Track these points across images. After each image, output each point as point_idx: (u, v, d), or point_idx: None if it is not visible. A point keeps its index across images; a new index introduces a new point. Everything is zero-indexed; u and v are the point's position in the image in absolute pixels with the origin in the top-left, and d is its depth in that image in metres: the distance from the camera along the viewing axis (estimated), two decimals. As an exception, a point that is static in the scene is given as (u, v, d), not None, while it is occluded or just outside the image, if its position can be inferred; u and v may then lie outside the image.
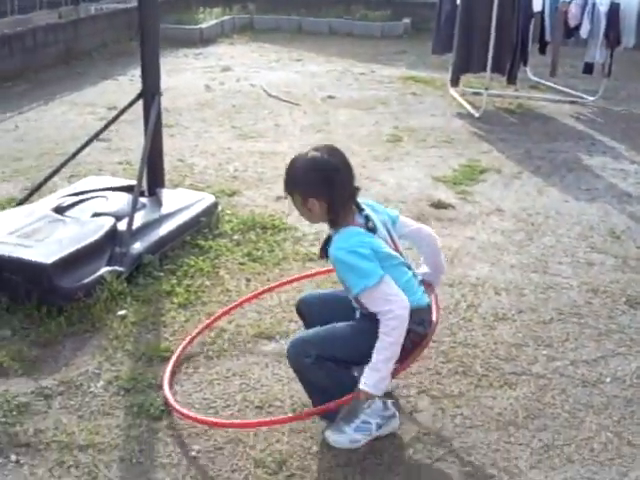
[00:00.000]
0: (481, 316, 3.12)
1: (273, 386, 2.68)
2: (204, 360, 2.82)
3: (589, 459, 2.32)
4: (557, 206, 4.46)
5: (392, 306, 2.19)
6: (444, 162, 5.25)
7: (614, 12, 6.10)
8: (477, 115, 6.43)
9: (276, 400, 2.59)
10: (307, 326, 2.58)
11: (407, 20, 10.96)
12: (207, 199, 4.03)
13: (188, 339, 2.87)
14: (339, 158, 2.31)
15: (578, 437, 2.42)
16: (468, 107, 6.68)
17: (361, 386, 2.22)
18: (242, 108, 6.62)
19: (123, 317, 3.06)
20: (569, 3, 6.25)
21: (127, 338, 2.94)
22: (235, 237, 3.86)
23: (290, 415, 2.51)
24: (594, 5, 6.11)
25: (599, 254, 3.81)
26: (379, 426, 2.39)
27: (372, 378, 2.21)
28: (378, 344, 2.20)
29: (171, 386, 2.62)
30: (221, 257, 3.65)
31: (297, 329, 3.02)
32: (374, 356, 2.21)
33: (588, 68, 6.72)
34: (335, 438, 2.37)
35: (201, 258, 3.59)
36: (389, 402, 2.44)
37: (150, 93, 3.86)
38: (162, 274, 3.40)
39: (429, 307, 2.42)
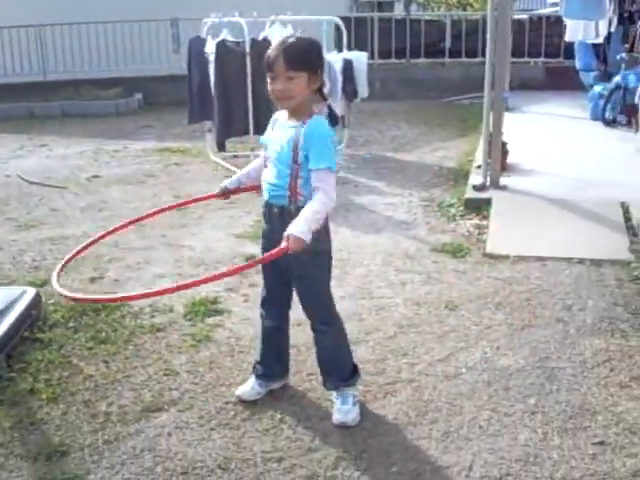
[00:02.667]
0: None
1: (186, 451, 2.69)
2: (105, 445, 2.72)
3: (481, 435, 2.74)
4: (353, 242, 5.01)
5: (334, 195, 2.60)
6: (237, 221, 5.55)
7: (348, 68, 7.00)
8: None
9: (197, 462, 2.62)
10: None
11: (139, 95, 11.18)
12: (29, 292, 3.81)
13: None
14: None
15: (465, 420, 2.84)
16: (236, 170, 7.07)
17: (296, 233, 2.48)
18: (8, 199, 6.27)
19: (-5, 425, 2.82)
20: (309, 67, 7.01)
21: (12, 444, 2.72)
22: (71, 324, 3.72)
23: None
24: (330, 65, 6.93)
25: (406, 274, 4.39)
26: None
27: (305, 226, 2.51)
28: (314, 203, 2.55)
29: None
30: (66, 346, 3.50)
31: (180, 396, 3.06)
32: (308, 210, 2.54)
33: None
34: (350, 417, 2.80)
35: (46, 351, 3.42)
36: None
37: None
38: (14, 374, 3.18)
39: None
